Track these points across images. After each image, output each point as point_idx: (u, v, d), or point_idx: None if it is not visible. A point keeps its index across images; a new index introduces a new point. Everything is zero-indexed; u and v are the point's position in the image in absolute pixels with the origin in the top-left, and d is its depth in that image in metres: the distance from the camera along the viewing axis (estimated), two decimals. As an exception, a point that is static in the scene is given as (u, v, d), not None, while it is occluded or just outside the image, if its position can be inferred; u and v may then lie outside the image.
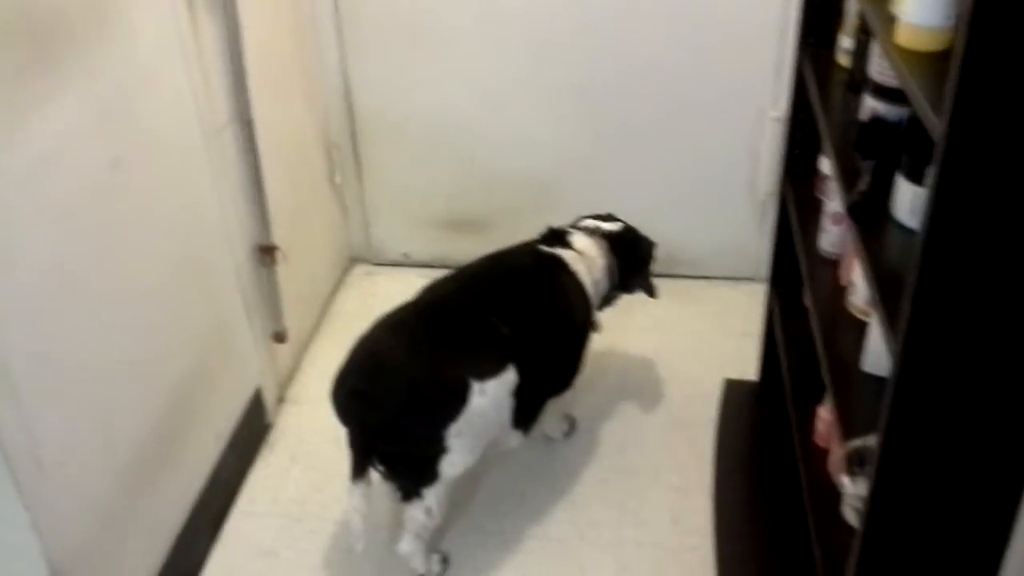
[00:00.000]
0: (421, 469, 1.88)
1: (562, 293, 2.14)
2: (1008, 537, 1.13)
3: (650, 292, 2.42)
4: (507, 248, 2.23)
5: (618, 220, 2.38)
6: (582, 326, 2.21)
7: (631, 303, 2.92)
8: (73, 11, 1.61)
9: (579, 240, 2.24)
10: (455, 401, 1.83)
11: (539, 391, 2.08)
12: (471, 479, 2.21)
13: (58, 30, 1.57)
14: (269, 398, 2.46)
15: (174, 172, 1.97)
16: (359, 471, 1.85)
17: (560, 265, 2.16)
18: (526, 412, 2.01)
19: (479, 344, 1.92)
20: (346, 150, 2.99)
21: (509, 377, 1.91)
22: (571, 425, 2.43)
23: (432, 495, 1.90)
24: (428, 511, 1.92)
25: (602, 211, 2.42)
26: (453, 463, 1.88)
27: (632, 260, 2.35)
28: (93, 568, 1.71)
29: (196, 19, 2.01)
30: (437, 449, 1.84)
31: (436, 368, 1.85)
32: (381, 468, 1.88)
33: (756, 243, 2.95)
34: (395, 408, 1.82)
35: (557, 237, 2.23)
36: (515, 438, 2.04)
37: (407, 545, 1.97)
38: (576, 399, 2.49)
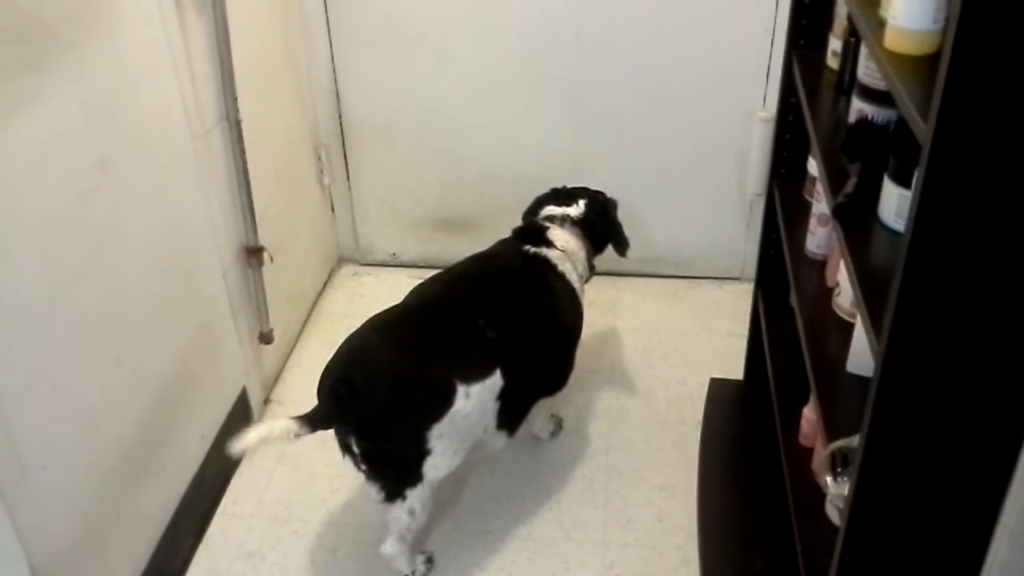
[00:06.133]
0: (404, 470, 1.88)
1: (550, 296, 2.13)
2: (989, 537, 1.14)
3: (623, 247, 2.38)
4: (494, 248, 2.22)
5: (576, 193, 2.35)
6: (571, 328, 2.20)
7: (618, 304, 2.93)
8: (58, 11, 1.60)
9: (558, 236, 2.23)
10: (439, 402, 1.82)
11: (527, 394, 2.08)
12: (457, 479, 2.21)
13: (43, 30, 1.56)
14: (254, 399, 2.45)
15: (161, 173, 1.96)
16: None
17: (548, 266, 2.15)
18: (512, 414, 2.01)
19: (465, 347, 1.91)
20: (335, 151, 2.98)
21: (495, 381, 1.90)
22: (558, 425, 2.43)
23: (415, 496, 1.90)
24: (411, 512, 1.91)
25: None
26: (436, 465, 1.88)
27: (604, 231, 2.35)
28: (76, 571, 1.70)
29: (184, 19, 2.00)
30: (420, 450, 1.84)
31: (421, 369, 1.84)
32: (364, 467, 1.88)
33: (743, 244, 2.96)
34: (379, 407, 1.81)
35: (536, 234, 2.22)
36: (500, 439, 2.04)
37: (390, 547, 1.97)
38: (563, 399, 2.49)
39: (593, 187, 2.42)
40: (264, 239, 2.37)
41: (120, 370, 1.83)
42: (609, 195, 2.41)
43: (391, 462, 1.89)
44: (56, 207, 1.61)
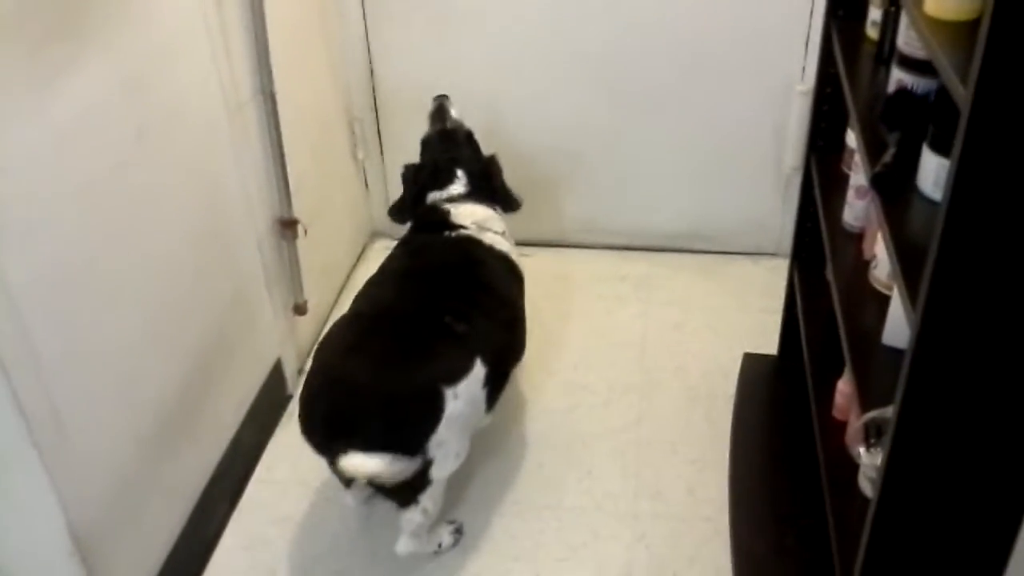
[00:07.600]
0: (411, 483, 1.85)
1: (491, 272, 2.13)
2: (1022, 508, 1.12)
3: (510, 207, 2.38)
4: (416, 241, 2.22)
5: (449, 165, 2.32)
6: (518, 294, 2.22)
7: (651, 278, 2.92)
8: (94, -21, 1.62)
9: (463, 214, 2.20)
10: (431, 413, 1.79)
11: (504, 371, 2.07)
12: (486, 450, 2.22)
13: (78, 1, 1.57)
14: (289, 369, 2.48)
15: (197, 145, 1.98)
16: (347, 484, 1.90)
17: (475, 244, 2.15)
18: (496, 395, 2.01)
19: (441, 348, 1.87)
20: (368, 124, 2.98)
21: (478, 372, 1.88)
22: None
23: (427, 498, 1.88)
24: (425, 512, 1.90)
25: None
26: (442, 468, 1.86)
27: (494, 190, 2.35)
28: (113, 533, 1.73)
29: (219, -10, 2.01)
30: (423, 463, 1.82)
31: (406, 385, 1.80)
32: (370, 490, 1.88)
33: (779, 218, 2.93)
34: (373, 436, 1.75)
35: (443, 222, 2.20)
36: (488, 419, 2.03)
37: (405, 546, 1.94)
38: (594, 371, 2.50)
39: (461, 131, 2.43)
40: (298, 212, 2.38)
41: (157, 338, 1.86)
42: (482, 148, 2.40)
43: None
44: (93, 177, 1.63)
